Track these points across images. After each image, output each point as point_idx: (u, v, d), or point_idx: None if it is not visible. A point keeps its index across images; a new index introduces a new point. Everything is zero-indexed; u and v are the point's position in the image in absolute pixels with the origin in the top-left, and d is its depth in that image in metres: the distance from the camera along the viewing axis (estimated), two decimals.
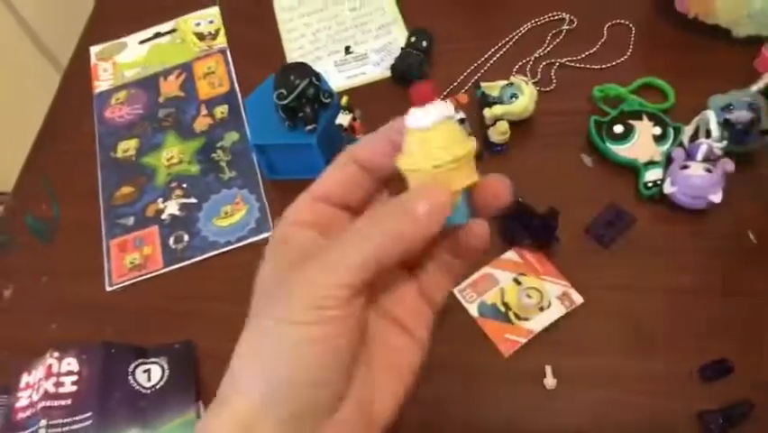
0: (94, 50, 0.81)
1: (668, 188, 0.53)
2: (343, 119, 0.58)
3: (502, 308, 0.52)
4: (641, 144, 0.57)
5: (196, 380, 0.54)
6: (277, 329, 0.26)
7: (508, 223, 0.54)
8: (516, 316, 0.52)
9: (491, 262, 0.55)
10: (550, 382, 0.48)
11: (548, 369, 0.49)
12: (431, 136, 0.27)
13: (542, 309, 0.51)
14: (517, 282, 0.53)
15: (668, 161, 0.55)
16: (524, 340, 0.51)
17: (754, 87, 0.57)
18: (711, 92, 0.58)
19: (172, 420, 0.51)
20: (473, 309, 0.53)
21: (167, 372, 0.54)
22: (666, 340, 0.49)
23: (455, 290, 0.54)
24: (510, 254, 0.55)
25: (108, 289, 0.60)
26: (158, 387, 0.53)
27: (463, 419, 0.48)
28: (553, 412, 0.48)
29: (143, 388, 0.53)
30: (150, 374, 0.54)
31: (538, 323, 0.51)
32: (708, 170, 0.52)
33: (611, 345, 0.50)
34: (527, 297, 0.52)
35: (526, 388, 0.49)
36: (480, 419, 0.48)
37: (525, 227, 0.54)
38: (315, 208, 0.30)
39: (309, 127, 0.58)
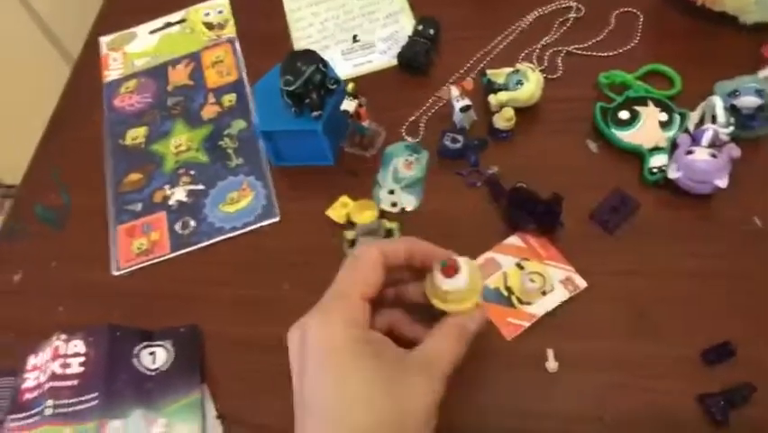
0: (104, 40, 0.82)
1: (672, 173, 0.53)
2: (349, 105, 0.58)
3: (505, 293, 0.52)
4: (646, 130, 0.57)
5: (201, 362, 0.54)
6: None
7: (512, 209, 0.55)
8: (519, 300, 0.52)
9: (494, 246, 0.55)
10: (552, 365, 0.48)
11: (550, 352, 0.49)
12: (462, 293, 0.41)
13: (544, 294, 0.51)
14: (520, 267, 0.53)
15: (673, 146, 0.55)
16: (527, 324, 0.51)
17: (761, 74, 0.57)
18: (718, 78, 0.57)
19: (177, 401, 0.52)
20: None
21: (172, 354, 0.54)
22: (670, 324, 0.49)
23: None
24: (513, 239, 0.55)
25: (115, 273, 0.61)
26: (163, 369, 0.53)
27: (465, 403, 0.48)
28: (555, 396, 0.48)
29: (148, 370, 0.53)
30: (155, 357, 0.54)
31: (541, 307, 0.51)
32: (714, 156, 0.52)
33: (614, 330, 0.49)
34: (530, 281, 0.52)
35: (529, 372, 0.49)
36: (482, 403, 0.48)
37: (529, 213, 0.54)
38: (365, 308, 0.40)
39: (315, 113, 0.59)
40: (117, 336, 0.55)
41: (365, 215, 0.56)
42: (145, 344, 0.55)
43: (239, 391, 0.53)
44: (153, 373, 0.53)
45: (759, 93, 0.54)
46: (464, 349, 0.40)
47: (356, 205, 0.57)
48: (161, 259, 0.61)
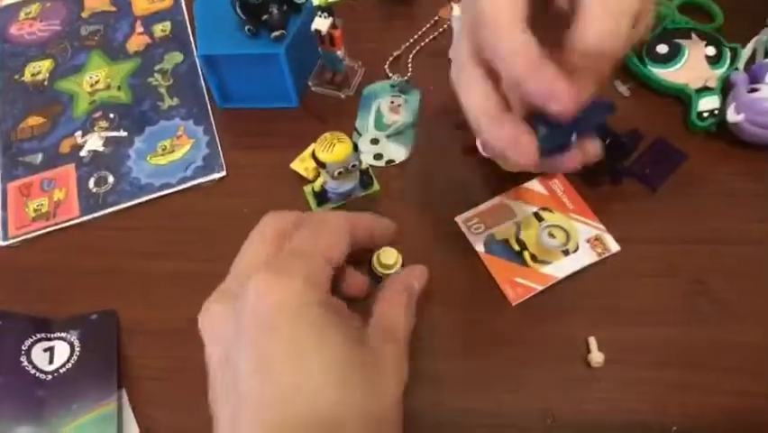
0: None
1: (732, 116, 0.42)
2: (322, 24, 0.45)
3: (516, 247, 0.41)
4: (691, 67, 0.46)
5: (118, 361, 0.40)
6: None
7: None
8: (533, 257, 0.40)
9: (508, 190, 0.43)
10: (596, 357, 0.36)
11: (592, 341, 0.37)
12: None
13: (566, 253, 0.40)
14: (539, 218, 0.42)
15: (725, 87, 0.45)
16: (539, 287, 0.39)
17: None
18: (763, 12, 0.47)
19: (82, 415, 0.38)
20: (479, 243, 0.41)
21: (77, 350, 0.40)
22: (733, 304, 0.38)
23: (458, 219, 0.43)
24: (534, 184, 0.43)
25: (3, 243, 0.46)
26: (63, 371, 0.39)
27: (481, 400, 0.36)
28: (598, 400, 0.36)
29: (42, 372, 0.39)
30: (52, 354, 0.40)
31: (560, 269, 0.40)
32: None
33: (665, 311, 0.38)
34: (550, 236, 0.40)
35: (561, 365, 0.37)
36: (510, 403, 0.36)
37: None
38: (328, 272, 0.33)
39: (276, 33, 0.45)
40: (0, 325, 0.40)
41: (337, 150, 0.41)
42: (40, 336, 0.40)
43: (169, 398, 0.39)
44: (49, 377, 0.39)
45: None
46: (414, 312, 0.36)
47: (323, 139, 0.41)
48: (68, 224, 0.46)
